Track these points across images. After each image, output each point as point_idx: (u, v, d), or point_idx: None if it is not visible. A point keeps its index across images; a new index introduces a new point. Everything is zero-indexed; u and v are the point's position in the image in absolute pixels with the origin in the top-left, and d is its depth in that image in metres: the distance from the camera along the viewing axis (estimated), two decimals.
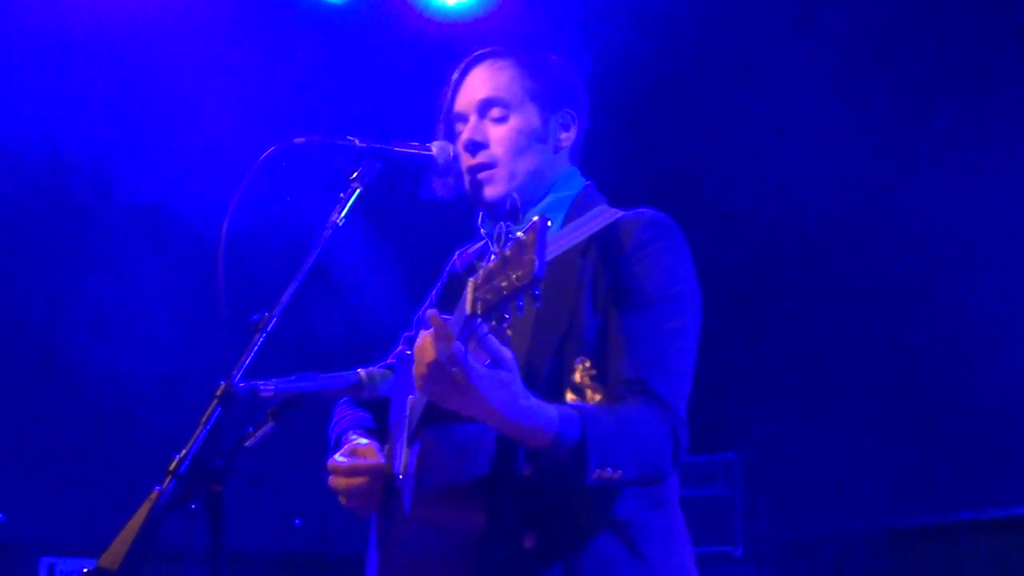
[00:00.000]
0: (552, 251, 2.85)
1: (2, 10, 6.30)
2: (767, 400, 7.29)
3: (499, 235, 2.56)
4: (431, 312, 2.59)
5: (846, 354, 7.25)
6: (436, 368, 2.57)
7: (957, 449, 6.72)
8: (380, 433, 3.33)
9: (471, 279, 2.53)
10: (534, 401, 2.65)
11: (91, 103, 6.46)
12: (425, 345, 2.58)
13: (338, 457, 3.11)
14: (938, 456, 6.81)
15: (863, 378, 7.17)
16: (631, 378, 2.82)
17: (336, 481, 3.11)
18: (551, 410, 2.66)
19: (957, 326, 6.76)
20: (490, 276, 2.47)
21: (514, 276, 2.39)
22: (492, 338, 2.58)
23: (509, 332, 2.68)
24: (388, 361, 3.44)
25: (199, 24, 6.53)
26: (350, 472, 3.08)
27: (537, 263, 2.35)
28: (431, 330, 2.57)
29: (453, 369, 2.55)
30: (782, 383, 7.35)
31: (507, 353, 2.62)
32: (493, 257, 2.48)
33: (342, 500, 3.13)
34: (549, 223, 2.43)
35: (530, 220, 2.41)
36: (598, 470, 2.67)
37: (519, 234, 2.42)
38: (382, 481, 3.10)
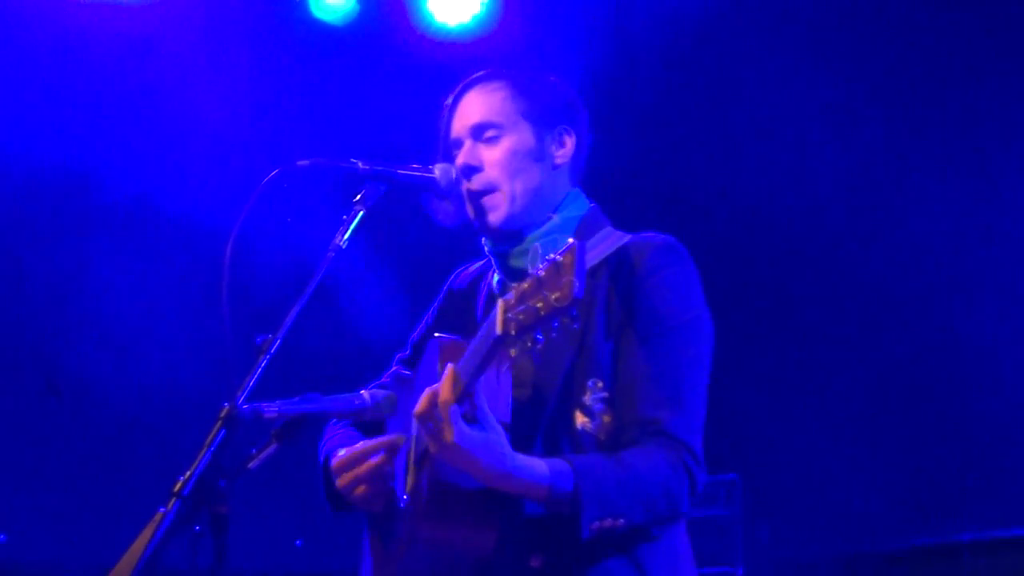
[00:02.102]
0: None
1: (14, 21, 6.32)
2: (768, 421, 7.29)
3: (524, 247, 2.55)
4: (450, 368, 2.62)
5: (848, 376, 7.25)
6: (429, 423, 2.63)
7: (957, 470, 6.72)
8: None
9: (502, 299, 2.53)
10: (523, 459, 2.69)
11: (96, 121, 6.48)
12: (424, 400, 2.64)
13: (341, 452, 3.07)
14: (938, 477, 6.81)
15: (864, 400, 7.18)
16: (646, 419, 2.84)
17: (345, 478, 3.04)
18: (541, 466, 2.70)
19: (958, 348, 6.76)
20: (523, 297, 2.46)
21: (552, 297, 2.39)
22: (483, 403, 2.64)
23: (513, 351, 2.70)
24: (381, 381, 3.44)
25: (203, 46, 6.54)
26: (357, 460, 3.02)
27: (577, 284, 2.35)
28: (434, 386, 2.63)
29: (441, 427, 2.61)
30: (783, 405, 7.35)
31: (492, 419, 2.67)
32: (527, 279, 2.48)
33: (357, 496, 3.07)
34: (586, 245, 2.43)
35: (566, 243, 2.40)
36: (596, 522, 2.70)
37: (556, 256, 2.41)
38: (388, 467, 3.07)
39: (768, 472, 7.18)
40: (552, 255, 2.43)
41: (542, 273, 2.43)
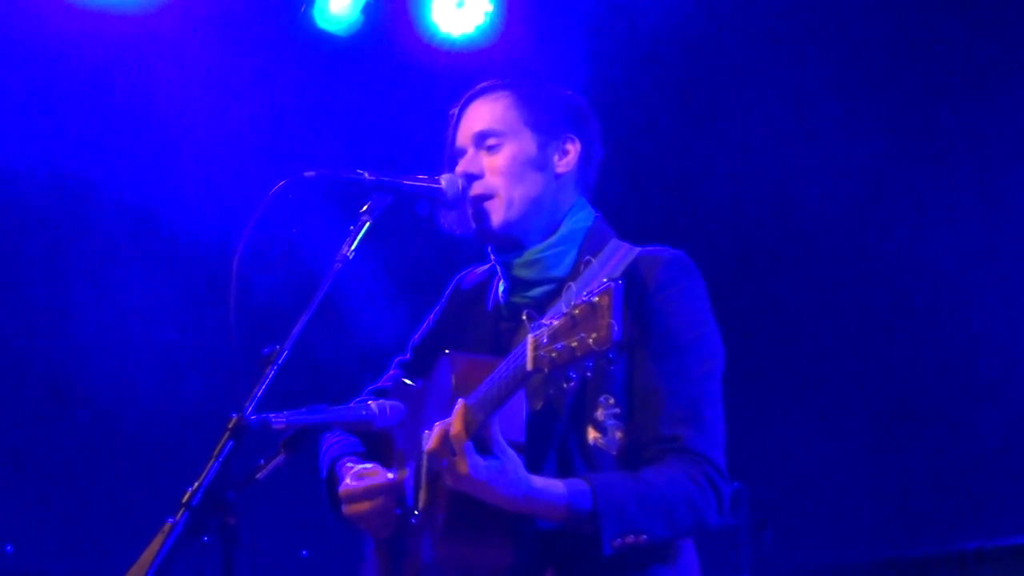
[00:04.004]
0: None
1: (17, 30, 6.32)
2: (774, 430, 7.27)
3: (528, 257, 2.57)
4: (461, 404, 2.65)
5: (853, 384, 7.23)
6: (442, 459, 2.68)
7: (964, 478, 6.71)
8: (370, 458, 3.33)
9: (532, 335, 2.53)
10: (539, 481, 2.73)
11: (101, 131, 6.48)
12: (436, 439, 2.68)
13: (349, 482, 3.11)
14: (944, 485, 6.79)
15: (870, 408, 7.16)
16: (667, 436, 2.85)
17: (353, 508, 3.10)
18: (558, 486, 2.73)
19: (964, 357, 6.75)
20: (556, 335, 2.46)
21: (589, 339, 2.39)
22: (498, 435, 2.67)
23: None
24: (380, 385, 3.44)
25: (206, 56, 6.55)
26: (367, 494, 3.08)
27: (616, 328, 2.36)
28: (449, 420, 2.66)
29: (456, 460, 2.66)
30: (789, 413, 7.33)
31: (508, 450, 2.70)
32: (560, 316, 2.47)
33: (364, 525, 3.12)
34: (621, 282, 2.42)
35: (602, 282, 2.41)
36: (619, 539, 2.72)
37: (591, 297, 2.41)
38: (396, 501, 3.10)
39: (774, 481, 7.16)
40: (587, 295, 2.43)
41: (576, 312, 2.43)
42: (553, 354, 2.45)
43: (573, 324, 2.43)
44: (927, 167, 6.93)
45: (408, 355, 3.47)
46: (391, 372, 3.46)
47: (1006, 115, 6.68)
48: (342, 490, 3.12)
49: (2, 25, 6.28)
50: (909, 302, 7.04)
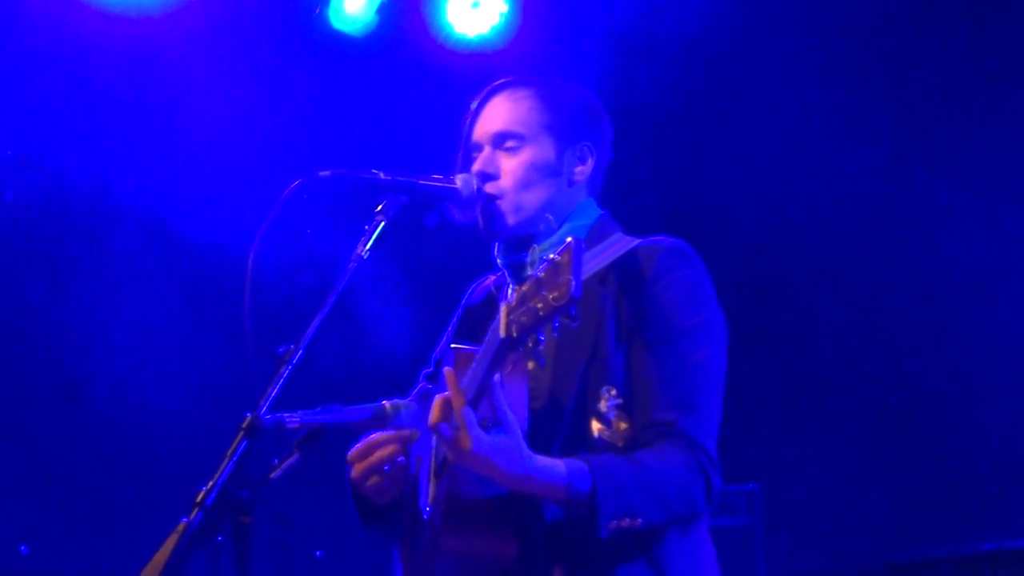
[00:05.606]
0: None
1: (31, 32, 6.34)
2: (788, 431, 7.28)
3: (532, 258, 2.59)
4: (447, 370, 2.63)
5: (868, 385, 7.23)
6: (446, 431, 2.63)
7: (978, 480, 6.70)
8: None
9: (504, 303, 2.55)
10: (541, 460, 2.70)
11: (116, 132, 6.51)
12: (436, 408, 2.64)
13: (356, 447, 3.08)
14: (959, 487, 6.78)
15: (884, 409, 7.16)
16: (659, 421, 2.84)
17: (360, 466, 3.05)
18: (559, 466, 2.71)
19: (978, 359, 6.74)
20: (524, 299, 2.49)
21: (550, 297, 2.41)
22: (502, 401, 2.64)
23: (531, 365, 2.73)
24: (409, 400, 3.44)
25: (221, 57, 6.56)
26: (375, 445, 3.03)
27: (574, 283, 2.36)
28: (444, 393, 2.63)
29: (458, 435, 2.61)
30: (803, 415, 7.33)
31: (511, 418, 2.66)
32: (527, 281, 2.50)
33: (373, 485, 3.07)
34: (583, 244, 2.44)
35: (564, 241, 2.42)
36: (614, 521, 2.70)
37: (553, 256, 2.43)
38: (399, 452, 3.07)
39: (788, 482, 7.16)
40: (551, 255, 2.45)
41: (541, 274, 2.45)
42: (522, 318, 2.48)
43: (538, 286, 2.45)
44: (936, 172, 6.93)
45: (431, 367, 3.47)
46: (418, 386, 3.46)
47: (1015, 120, 6.67)
48: (349, 453, 3.07)
49: (15, 27, 6.30)
50: (922, 306, 7.03)
